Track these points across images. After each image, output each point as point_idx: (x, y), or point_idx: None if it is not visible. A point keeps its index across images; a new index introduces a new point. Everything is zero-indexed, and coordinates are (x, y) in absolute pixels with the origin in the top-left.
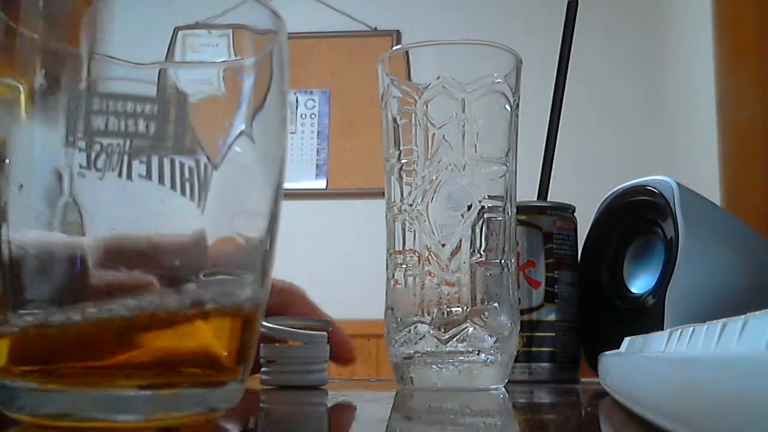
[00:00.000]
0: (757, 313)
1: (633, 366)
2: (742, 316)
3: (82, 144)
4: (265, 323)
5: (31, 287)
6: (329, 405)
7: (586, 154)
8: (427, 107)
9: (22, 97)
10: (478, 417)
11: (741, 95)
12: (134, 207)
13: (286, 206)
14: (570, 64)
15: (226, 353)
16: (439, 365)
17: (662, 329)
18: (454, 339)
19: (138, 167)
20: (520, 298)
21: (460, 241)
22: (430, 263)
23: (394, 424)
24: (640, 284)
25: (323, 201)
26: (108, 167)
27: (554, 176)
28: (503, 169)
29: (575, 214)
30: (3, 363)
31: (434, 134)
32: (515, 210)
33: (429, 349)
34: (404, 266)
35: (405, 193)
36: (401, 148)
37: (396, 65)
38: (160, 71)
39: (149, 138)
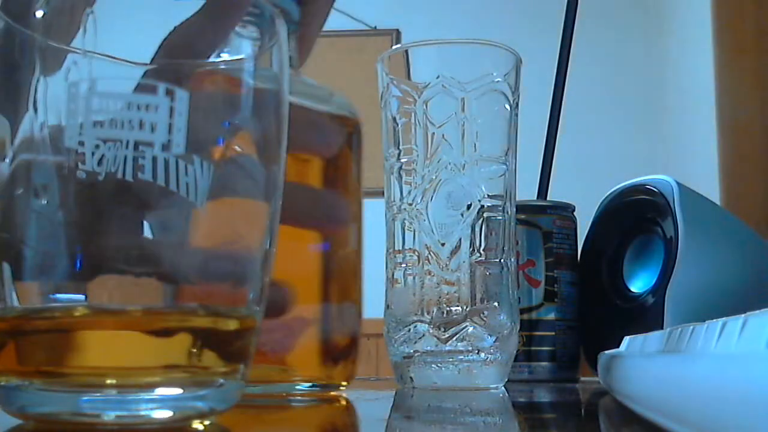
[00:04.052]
0: (757, 312)
1: (633, 365)
2: (742, 315)
3: (81, 144)
4: None
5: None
6: (328, 404)
7: (586, 154)
8: (426, 106)
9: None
10: (477, 416)
11: (740, 95)
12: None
13: None
14: (570, 63)
15: (226, 352)
16: (439, 364)
17: (662, 328)
18: (454, 338)
19: (138, 167)
20: (519, 297)
21: (460, 240)
22: (429, 262)
23: (394, 423)
24: (639, 283)
25: None
26: (108, 167)
27: (554, 175)
28: (503, 169)
29: (575, 213)
30: (4, 361)
31: (434, 133)
32: (515, 209)
33: (428, 348)
34: (404, 265)
35: (404, 193)
36: (401, 147)
37: (395, 64)
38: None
39: (149, 137)
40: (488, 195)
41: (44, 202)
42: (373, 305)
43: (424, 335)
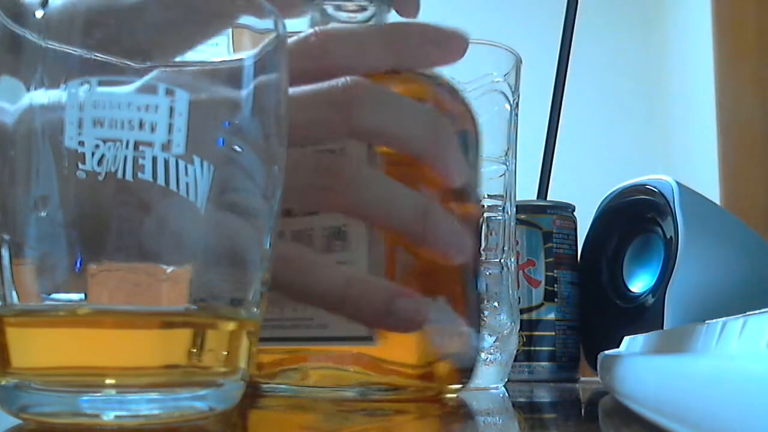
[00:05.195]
0: (757, 312)
1: (633, 365)
2: (742, 315)
3: (81, 144)
4: None
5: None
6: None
7: (586, 154)
8: None
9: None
10: (477, 416)
11: (740, 95)
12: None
13: None
14: (570, 63)
15: (225, 352)
16: None
17: (662, 328)
18: None
19: (138, 167)
20: (519, 298)
21: None
22: None
23: (394, 422)
24: (639, 283)
25: None
26: (108, 167)
27: (554, 175)
28: (503, 169)
29: (575, 213)
30: (3, 361)
31: None
32: (515, 209)
33: None
34: None
35: None
36: None
37: None
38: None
39: (149, 137)
40: (488, 195)
41: (43, 214)
42: None
43: None
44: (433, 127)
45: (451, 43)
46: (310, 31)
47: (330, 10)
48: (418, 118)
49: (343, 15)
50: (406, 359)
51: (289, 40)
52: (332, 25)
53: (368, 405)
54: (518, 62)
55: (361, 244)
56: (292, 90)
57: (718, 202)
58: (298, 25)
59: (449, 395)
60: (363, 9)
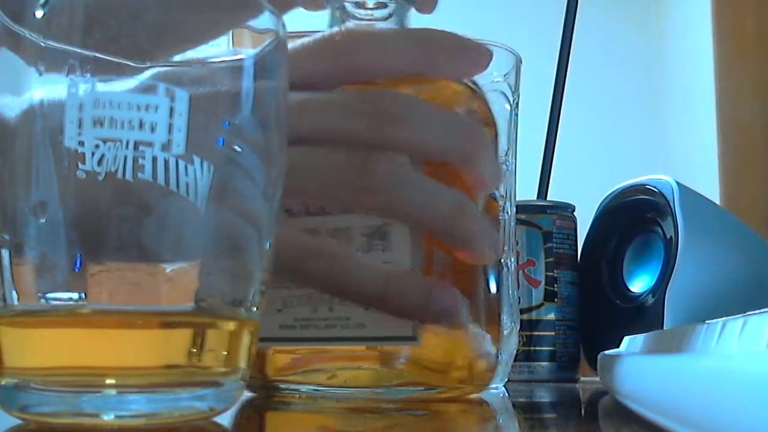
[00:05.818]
0: (757, 312)
1: (633, 365)
2: (742, 315)
3: (81, 144)
4: None
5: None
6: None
7: (586, 154)
8: None
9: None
10: (478, 416)
11: (740, 95)
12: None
13: None
14: (570, 63)
15: (225, 352)
16: None
17: (662, 328)
18: None
19: (138, 167)
20: (519, 297)
21: None
22: None
23: (393, 422)
24: (639, 283)
25: None
26: (108, 167)
27: (554, 175)
28: (503, 169)
29: (575, 213)
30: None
31: None
32: (515, 209)
33: None
34: None
35: None
36: None
37: None
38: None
39: (149, 137)
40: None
41: (43, 220)
42: None
43: None
44: (469, 137)
45: (476, 56)
46: (336, 29)
47: (349, 7)
48: (453, 129)
49: (362, 12)
50: (448, 358)
51: (314, 38)
52: (353, 23)
53: (380, 406)
54: (518, 62)
55: (403, 244)
56: (322, 94)
57: (718, 202)
58: (305, 25)
59: (473, 395)
60: (383, 6)
